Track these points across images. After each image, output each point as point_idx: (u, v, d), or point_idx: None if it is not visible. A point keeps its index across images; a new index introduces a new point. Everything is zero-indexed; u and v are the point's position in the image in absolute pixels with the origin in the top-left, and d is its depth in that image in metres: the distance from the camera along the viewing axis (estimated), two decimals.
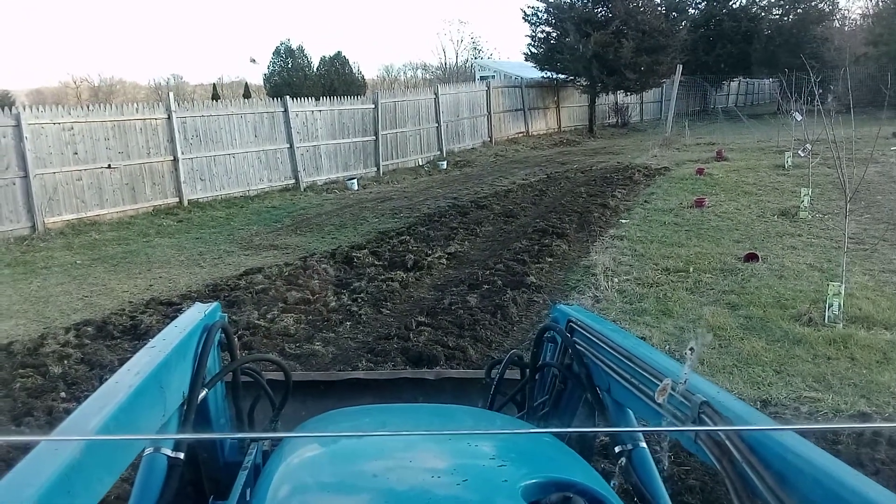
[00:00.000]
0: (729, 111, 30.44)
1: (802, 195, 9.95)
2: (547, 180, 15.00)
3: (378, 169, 17.42)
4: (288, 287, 7.28)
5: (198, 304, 2.04)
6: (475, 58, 48.40)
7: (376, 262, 8.25)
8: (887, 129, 17.18)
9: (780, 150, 16.30)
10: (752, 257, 7.59)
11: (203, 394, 1.69)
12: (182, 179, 13.06)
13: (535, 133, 25.25)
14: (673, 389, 1.24)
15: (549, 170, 16.76)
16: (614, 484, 1.41)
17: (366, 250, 8.85)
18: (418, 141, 19.21)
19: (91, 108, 12.29)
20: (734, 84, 38.74)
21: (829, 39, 31.28)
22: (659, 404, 1.30)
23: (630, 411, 1.69)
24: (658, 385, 1.31)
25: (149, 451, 1.45)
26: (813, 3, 34.18)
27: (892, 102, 17.40)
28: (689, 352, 1.20)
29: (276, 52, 30.14)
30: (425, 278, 7.67)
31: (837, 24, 37.35)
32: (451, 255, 8.57)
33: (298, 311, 6.54)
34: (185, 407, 1.59)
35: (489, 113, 22.74)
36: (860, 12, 39.09)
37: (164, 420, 1.47)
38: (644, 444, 1.64)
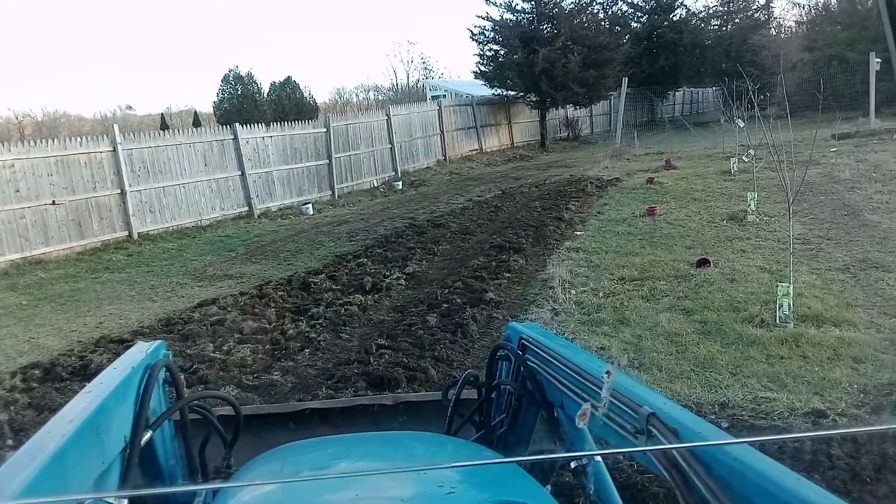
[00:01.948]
0: (675, 121, 31.18)
1: (749, 199, 10.22)
2: (502, 196, 15.12)
3: (333, 192, 17.33)
4: (244, 317, 7.15)
5: (140, 343, 1.98)
6: (426, 78, 48.82)
7: (334, 287, 8.16)
8: (825, 131, 17.83)
9: (725, 156, 16.74)
10: (703, 263, 7.74)
11: (148, 435, 1.63)
12: (131, 212, 12.78)
13: (488, 150, 25.47)
14: (594, 412, 1.25)
15: (503, 185, 16.90)
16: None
17: (323, 275, 8.76)
18: (372, 163, 19.20)
19: (32, 143, 11.95)
20: (679, 94, 39.74)
21: (767, 47, 32.44)
22: (607, 416, 1.30)
23: (585, 427, 1.69)
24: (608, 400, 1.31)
25: (89, 500, 1.39)
26: (749, 14, 35.43)
27: (827, 105, 18.08)
28: (606, 376, 1.21)
29: (225, 80, 29.85)
30: (384, 300, 7.62)
31: (774, 32, 38.79)
32: (409, 275, 8.54)
33: (255, 341, 6.42)
34: (127, 451, 1.53)
35: (442, 132, 22.88)
36: (795, 20, 40.69)
37: (104, 467, 1.41)
38: (599, 458, 1.65)
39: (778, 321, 5.71)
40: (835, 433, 3.83)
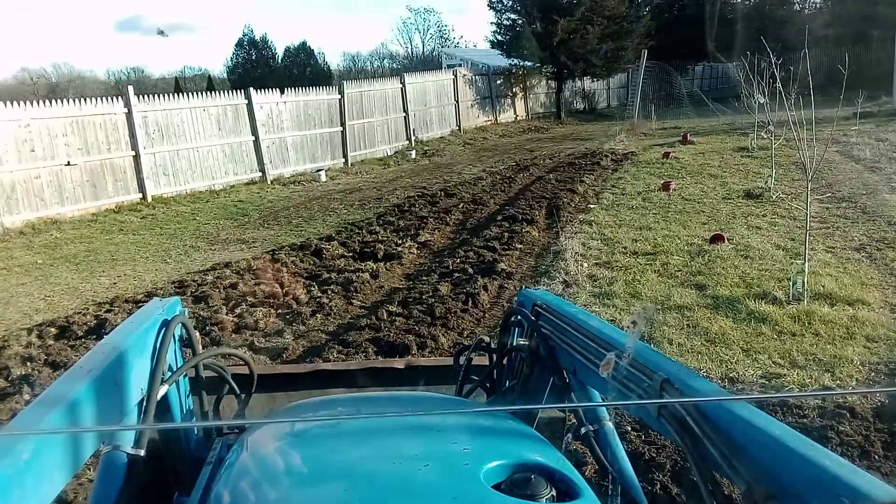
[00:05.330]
0: (694, 95, 30.75)
1: (766, 176, 10.10)
2: (516, 167, 15.03)
3: (346, 160, 17.29)
4: (257, 281, 7.19)
5: (156, 300, 2.00)
6: (442, 46, 48.28)
7: (346, 254, 8.19)
8: (847, 109, 17.51)
9: (744, 132, 16.53)
10: (718, 238, 7.69)
11: (164, 390, 1.65)
12: (145, 175, 12.81)
13: (503, 121, 25.27)
14: (617, 363, 1.25)
15: (517, 157, 16.79)
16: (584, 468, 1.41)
17: (335, 242, 8.78)
18: (386, 131, 19.10)
19: (48, 103, 11.96)
20: (699, 68, 39.12)
21: (790, 23, 31.78)
22: (622, 381, 1.30)
23: (596, 392, 1.69)
24: (618, 364, 1.32)
25: (106, 448, 1.41)
26: None
27: (850, 83, 17.72)
28: (632, 325, 1.21)
29: (239, 44, 29.68)
30: (396, 268, 7.63)
31: (798, 8, 38.00)
32: (421, 244, 8.54)
33: (268, 305, 6.46)
34: (143, 404, 1.55)
35: (457, 101, 22.69)
36: None
37: (120, 418, 1.43)
38: (610, 423, 1.65)
39: (791, 298, 5.68)
40: (839, 393, 3.83)
